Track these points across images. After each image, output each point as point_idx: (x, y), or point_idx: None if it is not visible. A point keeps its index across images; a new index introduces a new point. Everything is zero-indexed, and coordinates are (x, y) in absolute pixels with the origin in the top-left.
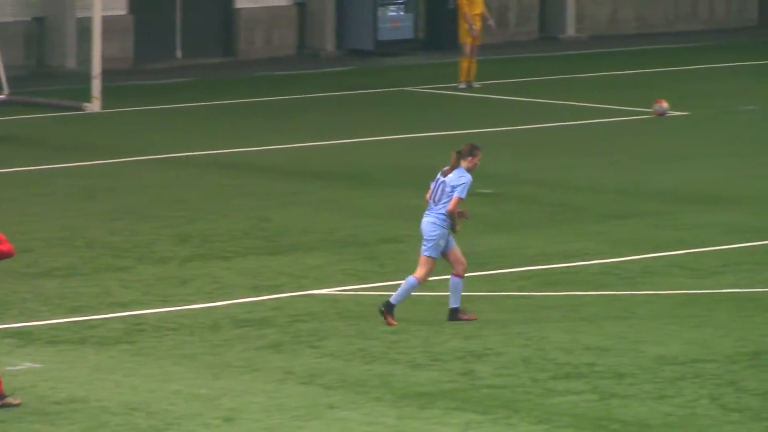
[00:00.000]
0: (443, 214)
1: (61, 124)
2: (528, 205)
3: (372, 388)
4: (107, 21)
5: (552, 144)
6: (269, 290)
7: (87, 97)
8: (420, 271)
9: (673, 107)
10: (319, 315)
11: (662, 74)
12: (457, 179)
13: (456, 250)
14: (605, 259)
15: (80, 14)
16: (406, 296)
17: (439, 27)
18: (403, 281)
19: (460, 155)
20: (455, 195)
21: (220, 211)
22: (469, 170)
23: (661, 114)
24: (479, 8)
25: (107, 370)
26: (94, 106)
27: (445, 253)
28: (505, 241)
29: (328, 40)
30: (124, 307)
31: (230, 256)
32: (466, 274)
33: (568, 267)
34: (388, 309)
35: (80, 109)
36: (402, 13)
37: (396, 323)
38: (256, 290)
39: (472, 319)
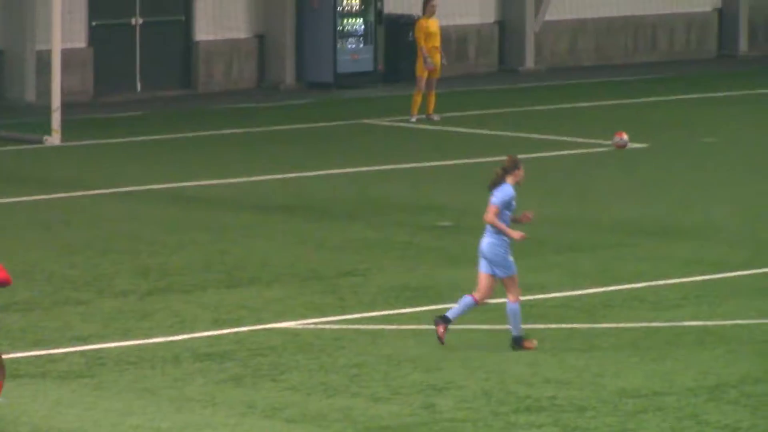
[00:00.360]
0: (496, 230)
1: (21, 158)
2: None
3: (333, 421)
4: (66, 54)
5: None
6: (230, 324)
7: (47, 130)
8: (510, 295)
9: (632, 139)
10: (279, 348)
11: (622, 106)
12: (499, 191)
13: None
14: (565, 291)
15: (39, 47)
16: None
17: (399, 59)
18: (374, 312)
19: (505, 171)
20: (490, 203)
21: (180, 244)
22: (516, 185)
23: (621, 146)
24: (436, 41)
25: (69, 404)
26: (54, 139)
27: (499, 278)
28: (465, 274)
29: (288, 73)
30: (85, 340)
31: (190, 289)
32: (429, 307)
33: (527, 300)
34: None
35: (40, 142)
36: (362, 45)
37: (533, 345)
38: (217, 324)
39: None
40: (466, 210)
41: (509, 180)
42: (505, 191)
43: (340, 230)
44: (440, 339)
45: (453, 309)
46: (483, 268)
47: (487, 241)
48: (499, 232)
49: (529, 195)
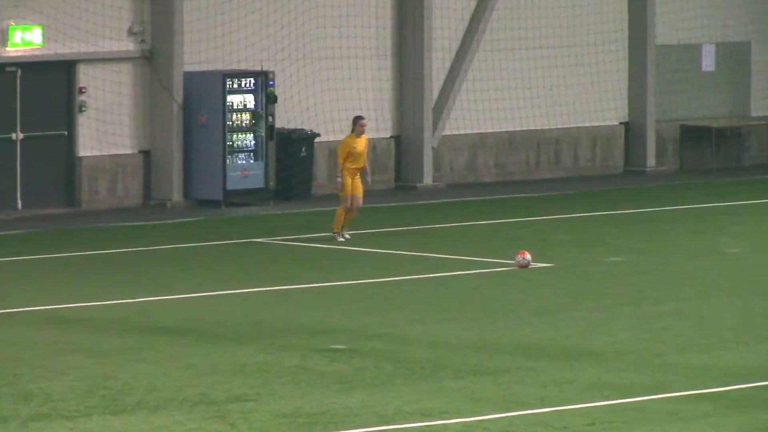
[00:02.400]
0: None
1: None
2: (383, 362)
3: None
4: None
5: (408, 297)
6: None
7: None
8: None
9: (536, 259)
10: None
11: (524, 224)
12: None
13: None
14: (465, 417)
15: None
16: None
17: (291, 176)
18: None
19: None
20: None
21: (62, 368)
22: None
23: (524, 266)
24: (360, 162)
25: None
26: None
27: None
28: (360, 398)
29: (175, 190)
30: None
31: (74, 415)
32: None
33: (426, 426)
34: None
35: None
36: (252, 161)
37: None
38: None
39: None
40: (359, 332)
41: None
42: None
43: (230, 353)
44: None
45: None
46: None
47: None
48: None
49: (426, 316)
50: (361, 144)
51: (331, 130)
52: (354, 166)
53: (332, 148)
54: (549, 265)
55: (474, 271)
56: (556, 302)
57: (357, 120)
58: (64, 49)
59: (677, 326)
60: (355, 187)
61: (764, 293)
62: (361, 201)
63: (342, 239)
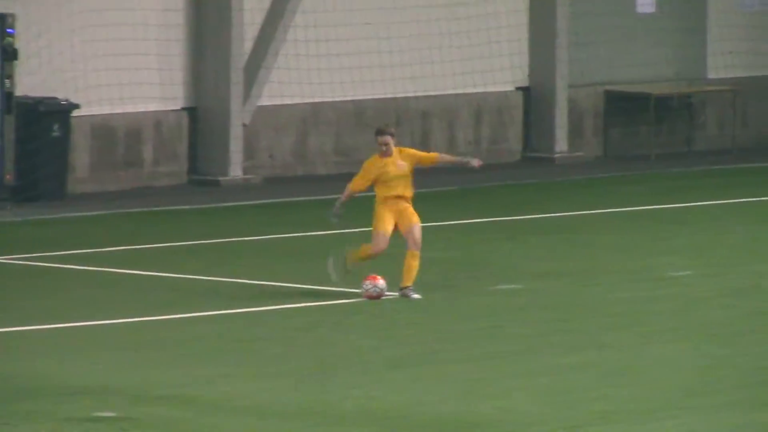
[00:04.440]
0: None
1: None
2: None
3: None
4: None
5: (208, 342)
6: None
7: None
8: None
9: (391, 286)
10: None
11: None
12: None
13: None
14: None
15: None
16: None
17: (37, 166)
18: None
19: None
20: None
21: None
22: None
23: (376, 297)
24: (401, 189)
25: None
26: None
27: None
28: None
29: None
30: None
31: None
32: None
33: None
34: None
35: None
36: None
37: None
38: None
39: None
40: (137, 392)
41: None
42: None
43: None
44: None
45: None
46: None
47: None
48: None
49: (237, 370)
50: (392, 165)
51: (95, 100)
52: (392, 194)
53: (99, 126)
54: (414, 297)
55: (304, 305)
56: (422, 350)
57: (379, 134)
58: None
59: (599, 385)
60: (404, 216)
61: (725, 335)
62: (418, 233)
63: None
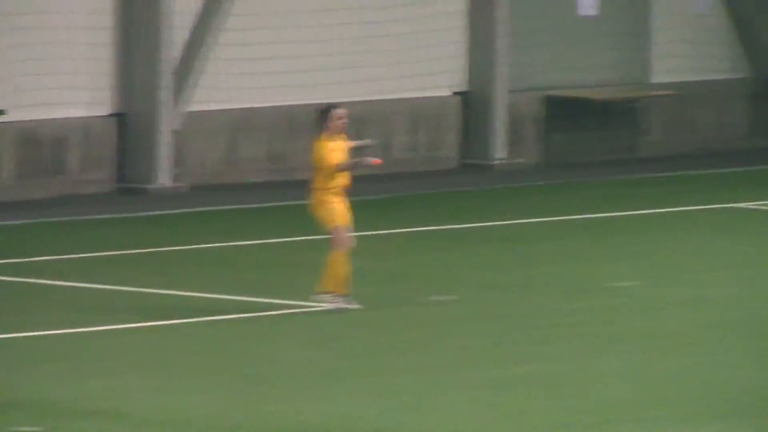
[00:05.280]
0: None
1: None
2: None
3: None
4: None
5: (131, 355)
6: None
7: None
8: None
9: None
10: None
11: (310, 244)
12: None
13: None
14: None
15: None
16: None
17: None
18: None
19: None
20: None
21: None
22: None
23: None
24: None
25: None
26: None
27: None
28: None
29: None
30: None
31: None
32: None
33: None
34: None
35: None
36: None
37: None
38: None
39: None
40: (52, 407)
41: None
42: None
43: None
44: None
45: None
46: None
47: None
48: None
49: (164, 384)
50: (344, 147)
51: (23, 105)
52: (343, 182)
53: (25, 133)
54: (350, 307)
55: (236, 316)
56: (358, 362)
57: (328, 111)
58: None
59: (542, 399)
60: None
61: (672, 347)
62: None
63: (348, 305)
